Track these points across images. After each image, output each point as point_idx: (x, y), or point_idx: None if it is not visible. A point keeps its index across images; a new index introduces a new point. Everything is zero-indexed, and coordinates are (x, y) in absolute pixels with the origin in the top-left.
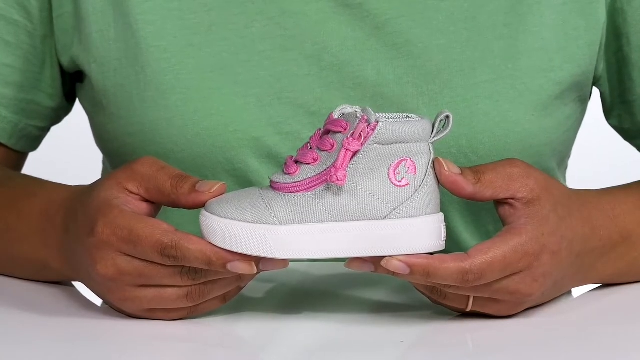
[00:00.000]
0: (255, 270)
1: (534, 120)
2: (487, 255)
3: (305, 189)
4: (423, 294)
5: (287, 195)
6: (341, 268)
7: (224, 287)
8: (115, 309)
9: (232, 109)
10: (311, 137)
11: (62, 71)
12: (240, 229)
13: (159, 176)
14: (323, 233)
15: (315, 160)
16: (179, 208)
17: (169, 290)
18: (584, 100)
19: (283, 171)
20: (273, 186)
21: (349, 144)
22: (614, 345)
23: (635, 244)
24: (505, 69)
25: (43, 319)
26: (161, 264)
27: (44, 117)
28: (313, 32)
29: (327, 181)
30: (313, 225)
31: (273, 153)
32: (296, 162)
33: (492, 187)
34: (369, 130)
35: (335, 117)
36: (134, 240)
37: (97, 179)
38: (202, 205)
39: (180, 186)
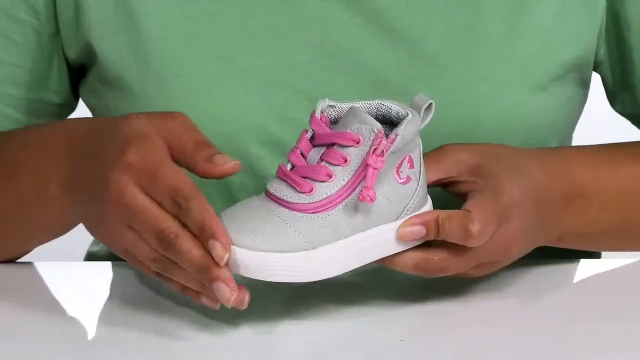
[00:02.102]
0: (226, 257)
1: (535, 102)
2: (481, 210)
3: (328, 208)
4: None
5: (310, 216)
6: None
7: (184, 278)
8: (97, 239)
9: (234, 97)
10: (298, 141)
11: (68, 66)
12: (275, 260)
13: (184, 136)
14: (350, 246)
15: (330, 176)
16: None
17: (145, 246)
18: (585, 84)
19: (295, 189)
20: (289, 207)
21: (375, 163)
22: (614, 344)
23: (592, 201)
24: (505, 52)
25: (44, 321)
26: (153, 216)
27: (51, 115)
28: (314, 20)
29: (359, 201)
30: (341, 242)
31: (275, 139)
32: (304, 177)
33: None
34: (388, 144)
35: (318, 115)
36: (155, 175)
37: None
38: (214, 176)
39: (199, 152)
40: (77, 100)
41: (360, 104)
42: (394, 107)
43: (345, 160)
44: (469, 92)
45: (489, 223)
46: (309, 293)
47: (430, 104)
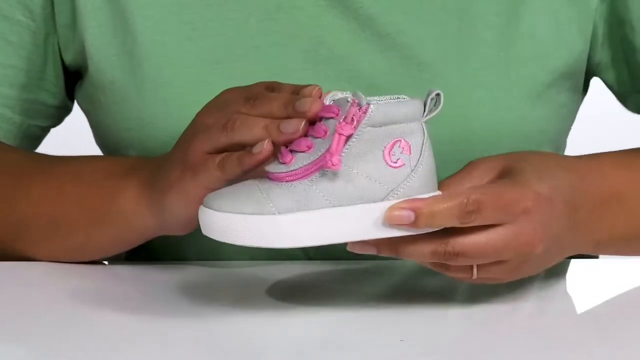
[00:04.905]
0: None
1: (527, 109)
2: (482, 189)
3: (302, 177)
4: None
5: (284, 185)
6: (339, 265)
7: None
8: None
9: None
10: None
11: (64, 68)
12: (239, 221)
13: None
14: (322, 219)
15: (309, 147)
16: None
17: (223, 119)
18: (578, 90)
19: (279, 161)
20: (269, 176)
21: (341, 129)
22: (612, 344)
23: (629, 203)
24: (498, 58)
25: (43, 321)
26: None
27: (47, 116)
28: (309, 27)
29: (323, 167)
30: (312, 212)
31: None
32: (291, 151)
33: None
34: (360, 113)
35: (327, 103)
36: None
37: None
38: None
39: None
40: (73, 102)
41: (377, 98)
42: (405, 97)
43: (325, 133)
44: (462, 98)
45: (489, 197)
46: (308, 292)
47: (438, 94)
